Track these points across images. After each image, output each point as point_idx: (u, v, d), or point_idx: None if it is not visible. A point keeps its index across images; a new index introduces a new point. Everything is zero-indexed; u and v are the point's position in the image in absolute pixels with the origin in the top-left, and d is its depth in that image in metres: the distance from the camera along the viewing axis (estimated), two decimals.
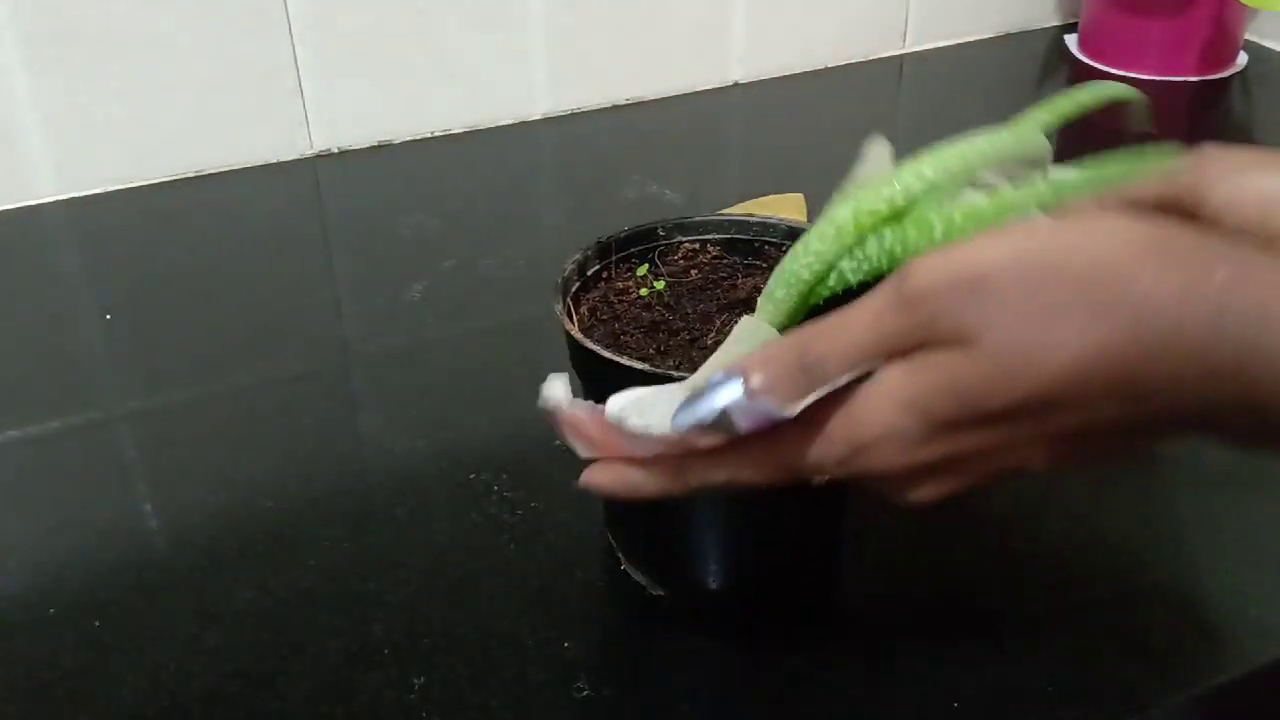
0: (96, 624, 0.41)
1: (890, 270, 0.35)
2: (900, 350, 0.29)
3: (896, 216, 0.35)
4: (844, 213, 0.36)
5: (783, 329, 0.36)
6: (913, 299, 0.29)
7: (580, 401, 0.34)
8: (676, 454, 0.33)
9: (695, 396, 0.31)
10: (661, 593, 0.42)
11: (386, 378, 0.56)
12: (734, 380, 0.30)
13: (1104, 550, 0.44)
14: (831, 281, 0.36)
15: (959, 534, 0.45)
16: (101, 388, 0.55)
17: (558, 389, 0.35)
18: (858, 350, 0.30)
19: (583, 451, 0.35)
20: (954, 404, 0.29)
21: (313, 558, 0.44)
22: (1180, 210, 0.34)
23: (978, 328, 0.28)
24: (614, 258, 0.43)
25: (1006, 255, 0.28)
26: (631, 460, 0.34)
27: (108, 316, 0.60)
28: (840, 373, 0.30)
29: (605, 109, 0.83)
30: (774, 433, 0.31)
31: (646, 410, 0.32)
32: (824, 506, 0.43)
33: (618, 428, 0.33)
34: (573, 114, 0.82)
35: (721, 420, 0.30)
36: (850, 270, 0.36)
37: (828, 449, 0.31)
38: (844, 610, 0.42)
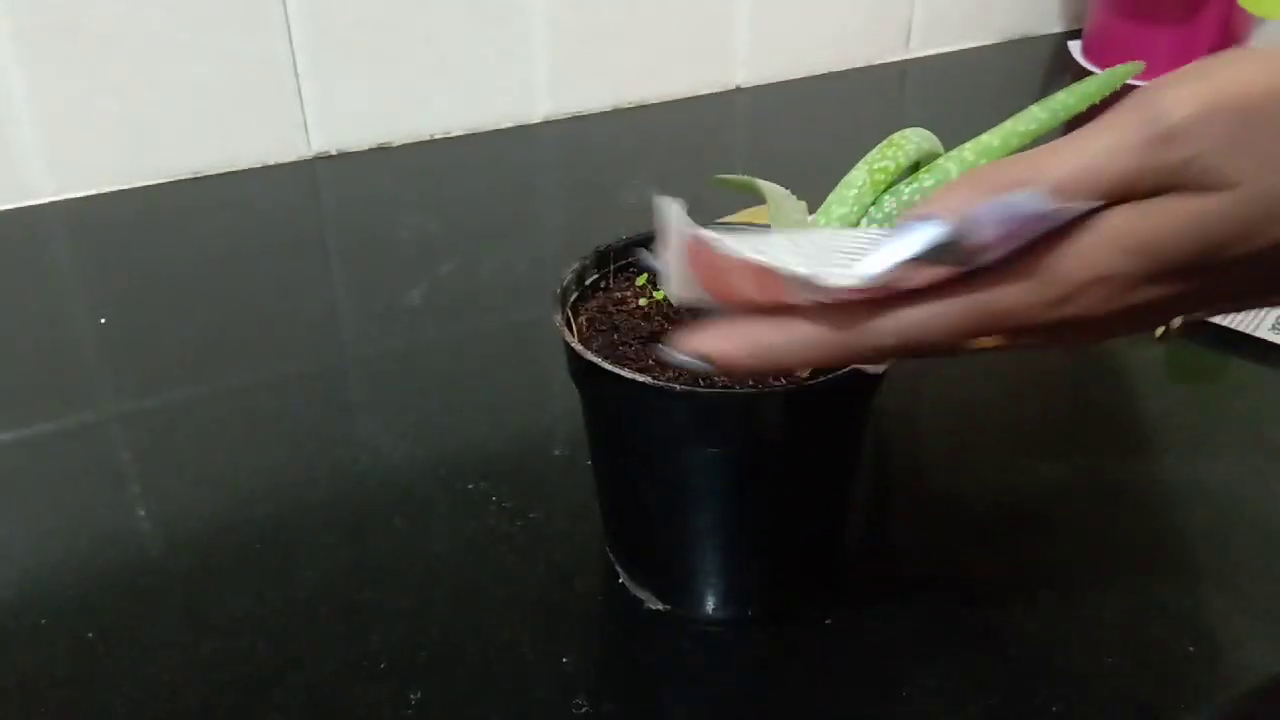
0: (90, 634, 0.41)
1: None
2: (1141, 189, 0.26)
3: (911, 170, 0.36)
4: (858, 174, 0.36)
5: None
6: (1172, 134, 0.25)
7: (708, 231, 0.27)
8: (850, 301, 0.27)
9: (883, 243, 0.26)
10: (662, 607, 0.41)
11: (385, 382, 0.55)
12: (930, 222, 0.26)
13: (1113, 563, 0.44)
14: None
15: (964, 549, 0.44)
16: (96, 390, 0.55)
17: (675, 207, 0.28)
18: (1087, 189, 0.25)
19: (695, 296, 0.28)
20: (1194, 250, 0.26)
21: (309, 567, 0.43)
22: None
23: (1244, 171, 0.25)
24: (612, 266, 0.43)
25: (1269, 82, 0.25)
26: (771, 317, 0.27)
27: (102, 320, 0.60)
28: (1069, 203, 0.26)
29: (607, 112, 0.83)
30: (976, 274, 0.27)
31: (804, 256, 0.27)
32: (825, 519, 0.42)
33: (773, 275, 0.26)
34: (574, 117, 0.82)
35: (950, 247, 0.25)
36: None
37: (1039, 291, 0.27)
38: (847, 626, 0.41)
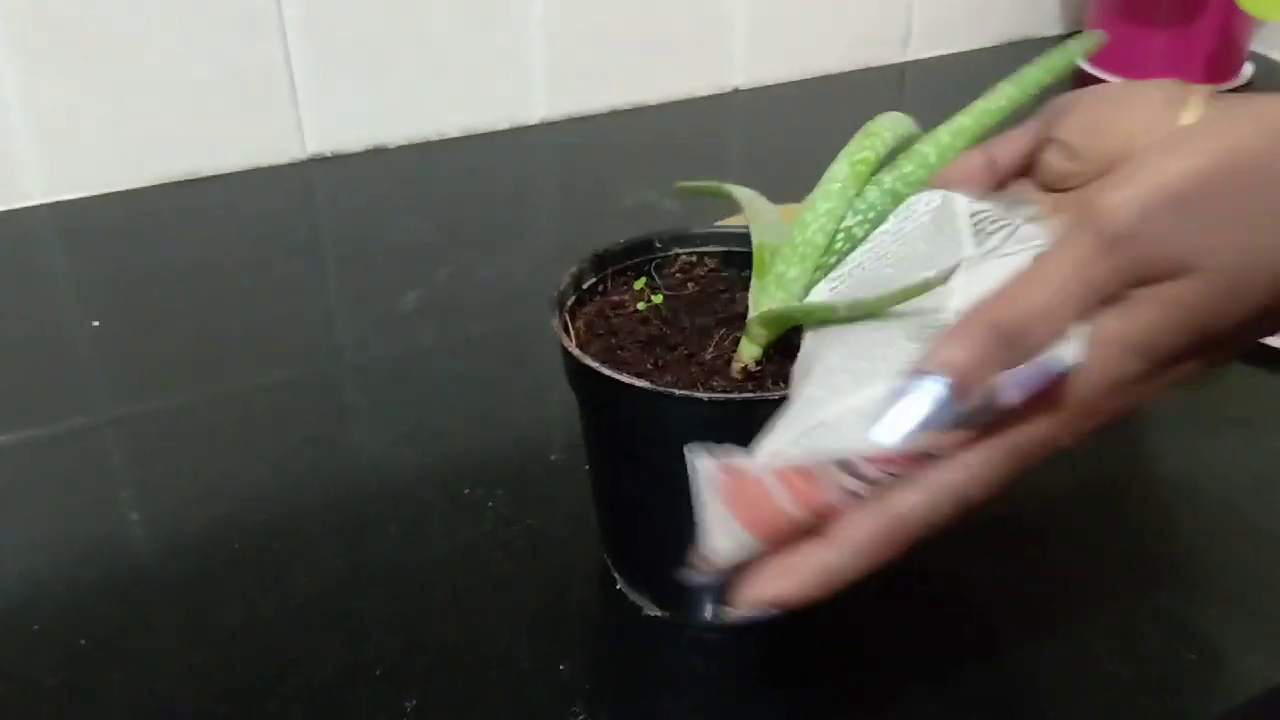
0: (82, 641, 0.40)
1: (894, 208, 0.36)
2: (1110, 296, 0.27)
3: (890, 156, 0.36)
4: (839, 168, 0.36)
5: (788, 318, 0.35)
6: (1117, 238, 0.27)
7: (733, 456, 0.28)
8: (890, 486, 0.27)
9: (893, 402, 0.27)
10: (659, 614, 0.41)
11: (380, 387, 0.55)
12: (931, 378, 0.26)
13: (1111, 571, 0.43)
14: (839, 244, 0.36)
15: (961, 558, 0.44)
16: (89, 394, 0.54)
17: (703, 459, 0.28)
18: (1066, 308, 0.27)
19: (738, 544, 0.28)
20: (1183, 336, 0.28)
21: (304, 573, 0.43)
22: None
23: (1195, 252, 0.27)
24: (610, 270, 0.42)
25: (1198, 167, 0.27)
26: (822, 539, 0.28)
27: (95, 324, 0.59)
28: (1050, 337, 0.27)
29: (604, 114, 0.82)
30: (997, 424, 0.28)
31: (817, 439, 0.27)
32: None
33: (809, 475, 0.26)
34: (571, 119, 0.81)
35: (946, 415, 0.26)
36: (856, 225, 0.37)
37: (1065, 418, 0.28)
38: (844, 634, 0.41)
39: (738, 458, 0.28)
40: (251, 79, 0.71)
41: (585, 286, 0.41)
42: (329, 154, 0.76)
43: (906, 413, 0.26)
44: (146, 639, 0.40)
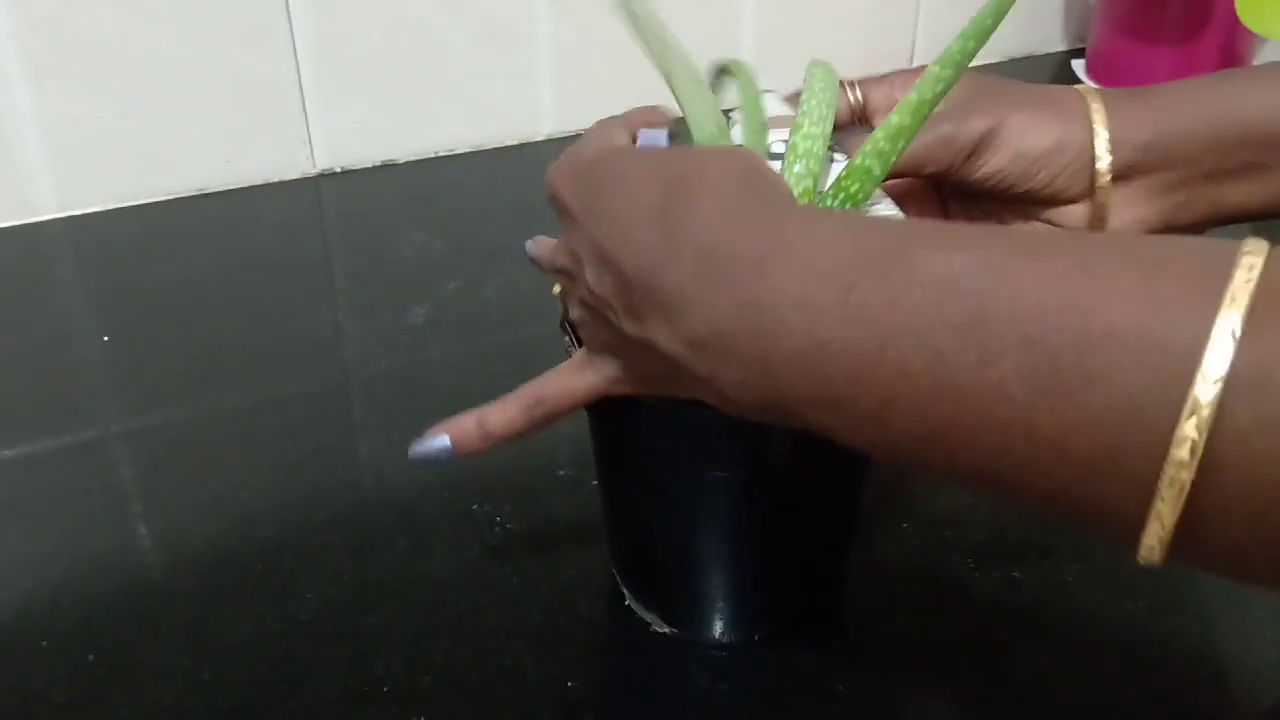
0: (91, 657, 0.40)
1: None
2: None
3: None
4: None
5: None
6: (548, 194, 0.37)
7: None
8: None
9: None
10: (667, 630, 0.41)
11: (388, 401, 0.55)
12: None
13: (1119, 588, 0.43)
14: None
15: (968, 572, 0.44)
16: (99, 407, 0.55)
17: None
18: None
19: None
20: (609, 176, 0.33)
21: (311, 589, 0.43)
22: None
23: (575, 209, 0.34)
24: None
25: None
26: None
27: (105, 338, 0.59)
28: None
29: None
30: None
31: None
32: (831, 543, 0.42)
33: None
34: (578, 135, 0.82)
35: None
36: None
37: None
38: (853, 650, 0.41)
39: None
40: (262, 94, 0.72)
41: None
42: (338, 169, 0.76)
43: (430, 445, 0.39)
44: (154, 654, 0.40)
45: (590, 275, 0.33)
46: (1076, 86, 0.42)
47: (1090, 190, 0.41)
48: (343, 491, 0.49)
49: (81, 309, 0.63)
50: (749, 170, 0.31)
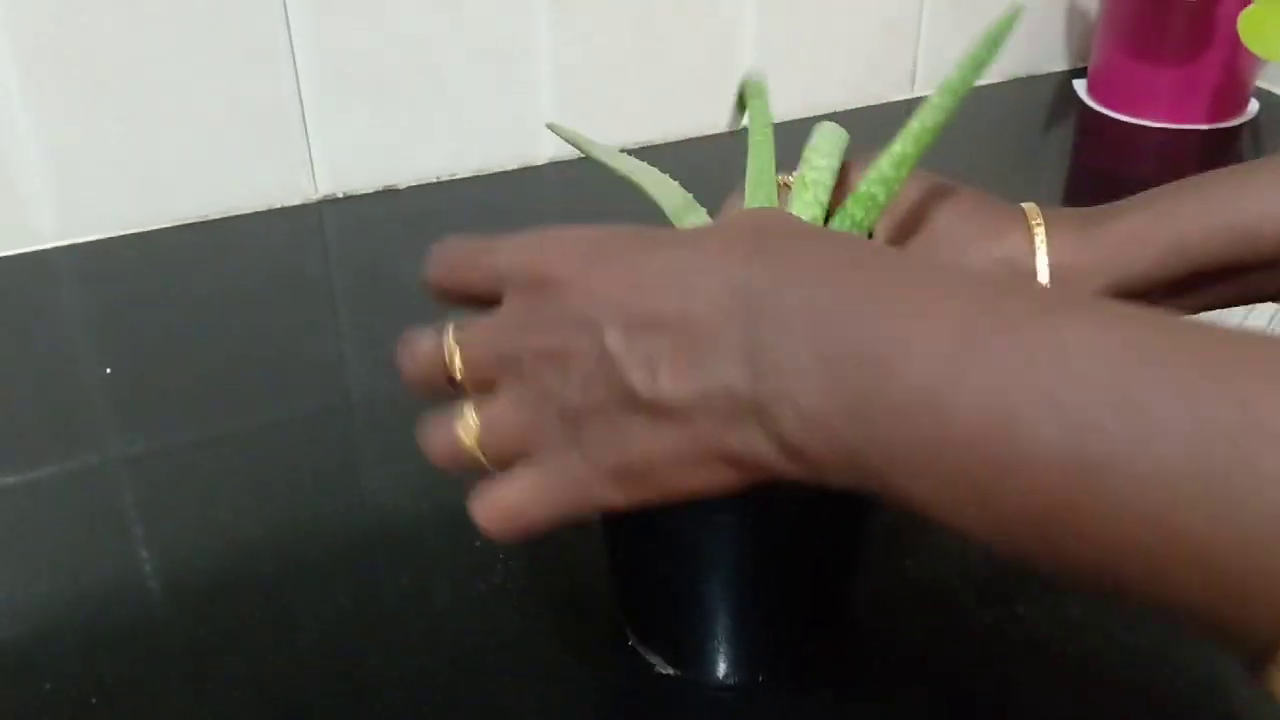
0: (93, 700, 0.40)
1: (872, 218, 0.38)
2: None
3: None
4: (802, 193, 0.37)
5: None
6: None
7: None
8: None
9: None
10: (673, 672, 0.41)
11: (392, 434, 0.55)
12: None
13: (1128, 623, 0.43)
14: None
15: (972, 609, 0.44)
16: (100, 436, 0.54)
17: None
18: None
19: None
20: (621, 243, 0.31)
21: (313, 625, 0.43)
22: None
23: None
24: None
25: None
26: None
27: (108, 369, 0.59)
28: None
29: None
30: None
31: None
32: (835, 583, 0.42)
33: None
34: (579, 158, 0.82)
35: None
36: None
37: (514, 244, 0.33)
38: (857, 690, 0.41)
39: None
40: (263, 120, 0.72)
41: None
42: (340, 195, 0.76)
43: None
44: (157, 696, 0.40)
45: (612, 340, 0.28)
46: (1024, 205, 0.41)
47: None
48: (345, 526, 0.48)
49: (82, 336, 0.63)
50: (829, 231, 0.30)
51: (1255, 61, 0.87)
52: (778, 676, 0.41)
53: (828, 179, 0.39)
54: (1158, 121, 0.88)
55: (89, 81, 0.67)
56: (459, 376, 0.32)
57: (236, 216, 0.73)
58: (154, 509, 0.50)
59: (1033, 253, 0.39)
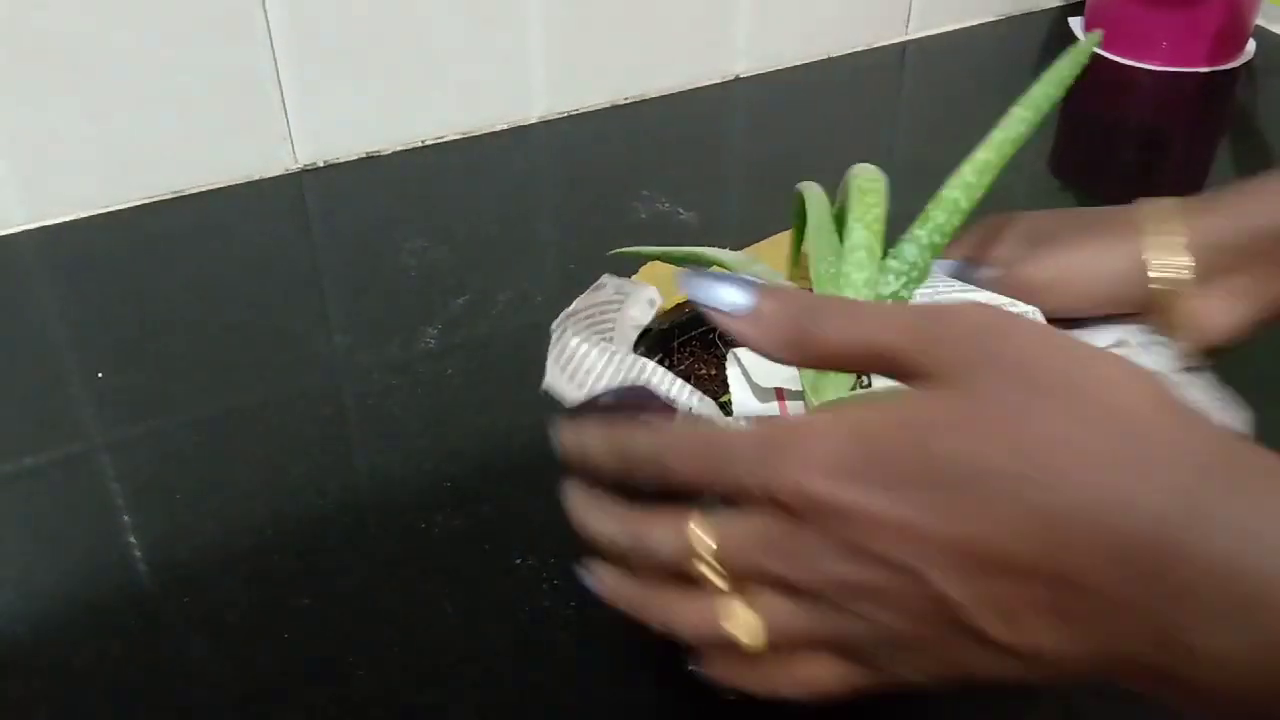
0: (79, 686, 0.38)
1: (932, 261, 0.38)
2: (893, 366, 0.27)
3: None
4: (857, 235, 0.35)
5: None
6: (948, 331, 0.26)
7: None
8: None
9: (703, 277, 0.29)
10: (735, 696, 0.40)
11: (381, 411, 0.52)
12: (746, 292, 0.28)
13: None
14: None
15: None
16: (79, 422, 0.51)
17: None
18: (858, 344, 0.27)
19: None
20: (906, 444, 0.25)
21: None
22: None
23: (969, 371, 0.25)
24: (675, 341, 0.40)
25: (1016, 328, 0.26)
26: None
27: (83, 352, 0.56)
28: (830, 354, 0.28)
29: (604, 109, 0.79)
30: (713, 428, 0.29)
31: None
32: None
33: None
34: (572, 115, 0.78)
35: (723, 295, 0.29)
36: (901, 287, 0.37)
37: (759, 454, 0.27)
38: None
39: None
40: (236, 88, 0.67)
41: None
42: (321, 164, 0.72)
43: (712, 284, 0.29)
44: (140, 681, 0.39)
45: (948, 586, 0.25)
46: (1137, 204, 0.42)
47: (1160, 302, 0.40)
48: (336, 502, 0.46)
49: (57, 322, 0.59)
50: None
51: (1255, 2, 0.85)
52: (848, 701, 0.40)
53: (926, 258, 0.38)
54: (1156, 64, 0.86)
55: (53, 55, 0.62)
56: (701, 573, 0.29)
57: (212, 190, 0.69)
58: (138, 494, 0.48)
59: (1175, 240, 0.40)
